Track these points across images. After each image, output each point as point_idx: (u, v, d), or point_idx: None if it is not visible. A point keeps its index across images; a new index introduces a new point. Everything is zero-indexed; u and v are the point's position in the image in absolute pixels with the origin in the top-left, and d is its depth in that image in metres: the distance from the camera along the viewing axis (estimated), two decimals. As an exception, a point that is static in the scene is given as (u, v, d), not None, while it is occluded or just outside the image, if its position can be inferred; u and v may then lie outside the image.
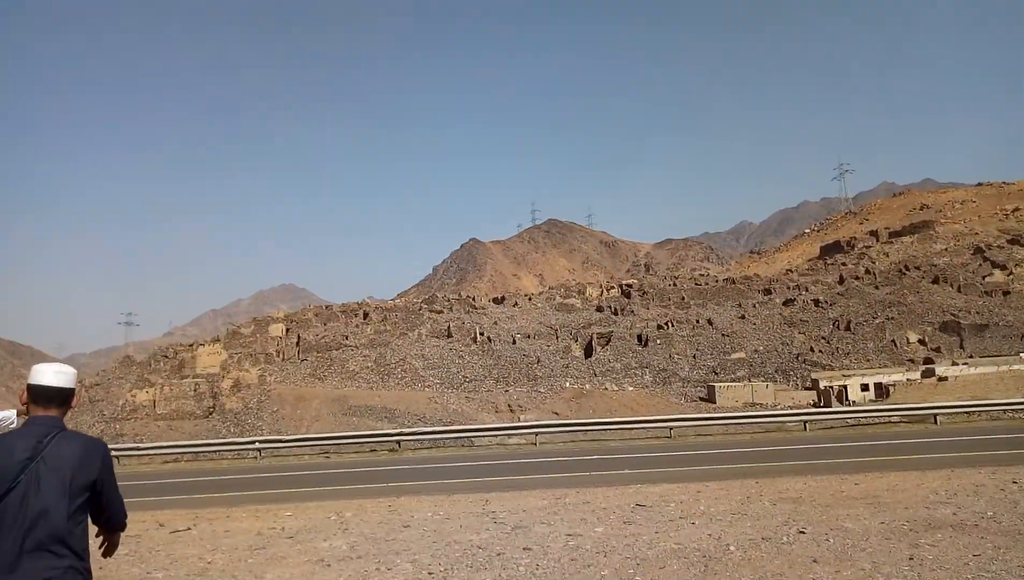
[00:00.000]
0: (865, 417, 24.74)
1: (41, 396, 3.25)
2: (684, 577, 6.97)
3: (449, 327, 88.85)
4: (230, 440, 25.37)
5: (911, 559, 7.03)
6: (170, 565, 8.71)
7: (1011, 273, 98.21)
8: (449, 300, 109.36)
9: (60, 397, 3.29)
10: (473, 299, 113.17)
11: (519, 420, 60.27)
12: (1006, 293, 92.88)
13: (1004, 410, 25.49)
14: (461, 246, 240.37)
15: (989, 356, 73.79)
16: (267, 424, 61.23)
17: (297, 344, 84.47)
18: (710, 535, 8.50)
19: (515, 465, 17.84)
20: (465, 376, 79.74)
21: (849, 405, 59.21)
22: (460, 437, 24.01)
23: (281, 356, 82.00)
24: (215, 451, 23.74)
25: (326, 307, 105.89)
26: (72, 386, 3.36)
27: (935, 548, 7.34)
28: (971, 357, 75.10)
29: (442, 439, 24.15)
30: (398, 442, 23.34)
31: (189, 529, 10.81)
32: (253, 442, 23.39)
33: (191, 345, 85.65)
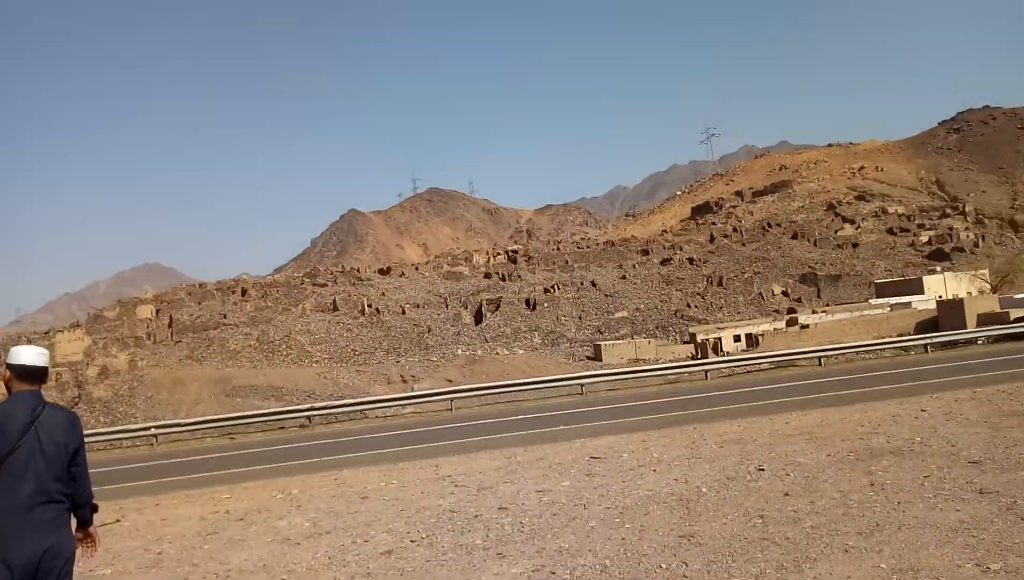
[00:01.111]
0: (772, 361, 26.44)
1: (25, 374, 3.79)
2: (670, 520, 7.16)
3: (335, 300, 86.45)
4: (122, 427, 23.51)
5: (872, 485, 7.57)
6: (114, 560, 7.96)
7: (859, 227, 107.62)
8: (332, 273, 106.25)
9: (40, 374, 3.83)
10: (358, 271, 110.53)
11: (412, 390, 59.84)
12: (855, 245, 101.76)
13: (856, 351, 28.19)
14: (340, 217, 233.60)
15: (843, 304, 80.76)
16: (141, 411, 57.42)
17: (170, 325, 79.43)
18: (676, 480, 8.78)
19: (442, 430, 17.70)
20: (354, 349, 78.09)
21: (724, 355, 63.15)
22: (376, 407, 23.50)
23: (152, 339, 76.85)
24: (105, 440, 21.95)
25: (199, 285, 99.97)
26: (48, 365, 3.91)
27: (887, 474, 7.95)
28: (828, 305, 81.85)
29: (356, 411, 23.55)
30: (309, 417, 22.54)
31: (118, 521, 9.93)
32: (148, 428, 21.81)
33: (46, 332, 78.54)
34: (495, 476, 10.24)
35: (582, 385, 24.16)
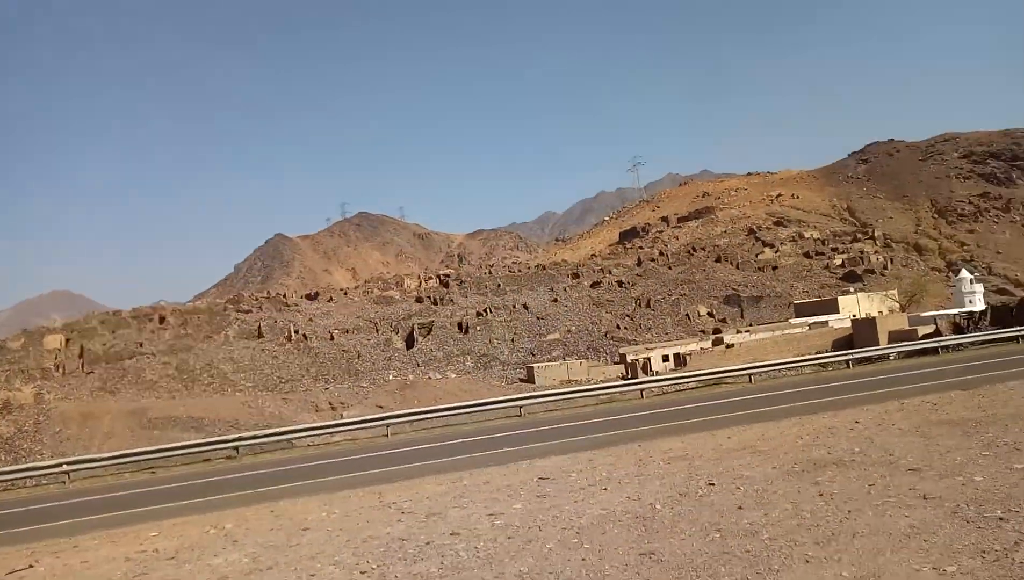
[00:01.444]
0: (700, 380, 26.93)
1: None
2: (628, 538, 7.06)
3: (260, 327, 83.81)
4: (30, 465, 21.84)
5: (821, 495, 7.69)
6: (28, 609, 7.28)
7: (778, 250, 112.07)
8: (257, 299, 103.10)
9: None
10: (284, 296, 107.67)
11: (341, 417, 58.30)
12: (775, 268, 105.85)
13: (780, 369, 29.35)
14: (266, 242, 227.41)
15: (765, 323, 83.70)
16: (48, 448, 53.81)
17: (80, 356, 75.15)
18: (628, 498, 8.72)
19: (381, 457, 17.19)
20: (280, 377, 75.71)
21: (653, 375, 64.32)
22: (308, 436, 22.67)
23: (61, 370, 72.53)
24: (9, 480, 20.35)
25: (113, 313, 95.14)
26: None
27: (834, 483, 8.10)
28: (751, 325, 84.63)
29: (285, 440, 22.67)
30: (236, 448, 21.55)
31: (31, 567, 9.12)
32: (59, 464, 20.33)
33: (-57, 364, 73.00)
34: (443, 501, 9.93)
35: (520, 407, 24.01)
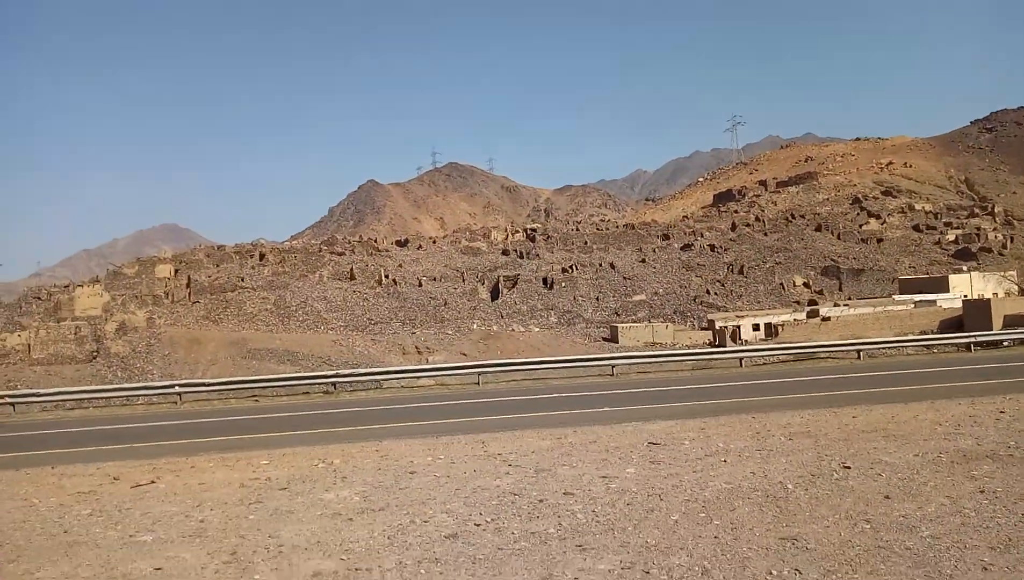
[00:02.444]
0: (799, 352, 25.72)
1: None
2: (763, 519, 6.56)
3: (352, 269, 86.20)
4: (146, 384, 23.20)
5: (982, 492, 6.93)
6: (154, 526, 7.48)
7: (884, 222, 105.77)
8: (350, 242, 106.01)
9: None
10: (375, 241, 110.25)
11: (427, 362, 59.56)
12: (879, 241, 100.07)
13: (884, 346, 27.20)
14: (359, 188, 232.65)
15: (865, 298, 79.62)
16: (158, 368, 57.49)
17: (188, 286, 79.44)
18: (753, 473, 8.17)
19: (476, 405, 17.17)
20: (370, 318, 77.87)
21: (742, 343, 62.43)
22: (402, 377, 23.01)
23: (170, 298, 76.95)
24: (127, 395, 21.62)
25: (218, 248, 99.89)
26: None
27: (994, 480, 7.31)
28: (850, 299, 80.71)
29: (380, 379, 23.07)
30: (334, 384, 22.09)
31: (153, 483, 9.46)
32: (172, 385, 21.43)
33: (66, 286, 78.82)
34: (550, 457, 9.66)
35: (612, 366, 23.58)
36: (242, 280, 79.89)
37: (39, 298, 72.84)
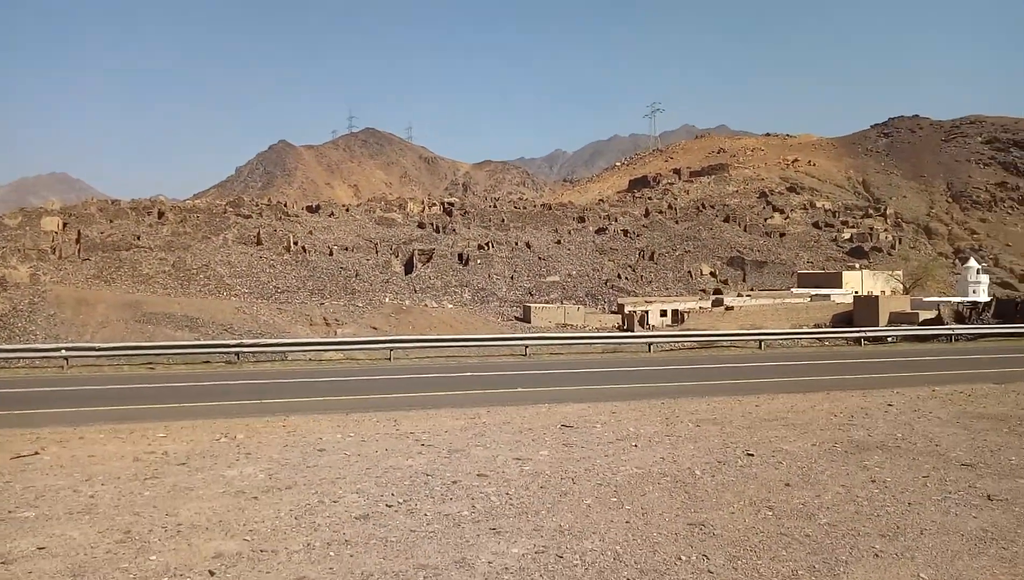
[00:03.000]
0: (702, 340, 26.63)
1: None
2: (672, 504, 6.71)
3: (259, 233, 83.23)
4: (29, 346, 21.57)
5: (873, 481, 7.33)
6: (36, 501, 6.93)
7: (788, 217, 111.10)
8: (258, 205, 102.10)
9: None
10: (284, 205, 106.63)
11: (335, 334, 58.30)
12: (782, 235, 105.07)
13: (782, 338, 28.78)
14: (269, 148, 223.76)
15: (766, 290, 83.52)
16: (42, 329, 53.78)
17: (77, 241, 74.57)
18: (663, 459, 8.37)
19: (387, 381, 16.90)
20: (277, 286, 75.46)
21: (649, 328, 64.34)
22: (311, 349, 22.38)
23: (57, 254, 72.10)
24: (6, 358, 20.06)
25: (112, 202, 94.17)
26: None
27: (883, 470, 7.75)
28: (752, 290, 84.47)
29: (286, 351, 22.37)
30: (237, 354, 21.25)
31: (37, 454, 8.78)
32: (59, 349, 20.01)
33: (-61, 234, 72.36)
34: (463, 437, 9.59)
35: (526, 346, 23.74)
36: (138, 238, 75.67)
37: (-94, 246, 66.77)
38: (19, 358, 21.16)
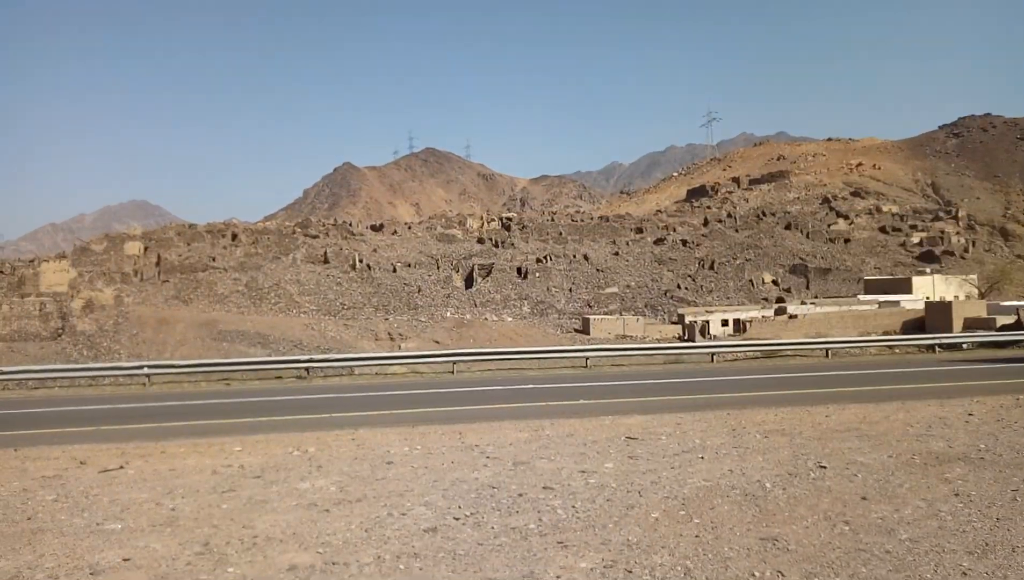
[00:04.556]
0: (767, 350, 26.03)
1: None
2: (743, 518, 6.58)
3: (326, 253, 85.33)
4: (114, 364, 22.70)
5: (956, 495, 7.03)
6: (122, 514, 7.27)
7: (852, 223, 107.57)
8: (325, 225, 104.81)
9: None
10: (349, 225, 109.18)
11: (399, 349, 59.20)
12: (847, 241, 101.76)
13: (851, 346, 27.67)
14: (334, 170, 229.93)
15: (831, 297, 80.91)
16: (125, 348, 56.34)
17: (157, 264, 77.96)
18: (731, 471, 8.21)
19: (451, 394, 17.07)
20: (343, 303, 77.25)
21: (711, 338, 63.09)
22: (377, 364, 22.83)
23: (139, 276, 75.49)
24: (94, 375, 21.13)
25: (189, 226, 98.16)
26: None
27: (967, 483, 7.42)
28: (816, 297, 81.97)
29: (354, 366, 22.87)
30: (307, 369, 21.83)
31: (122, 467, 9.22)
32: (141, 366, 20.96)
33: (31, 260, 76.74)
34: (527, 450, 9.62)
35: (587, 358, 23.64)
36: (213, 260, 78.66)
37: (2, 272, 70.86)
38: (105, 376, 22.24)
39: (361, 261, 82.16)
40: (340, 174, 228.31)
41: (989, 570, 5.21)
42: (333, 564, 5.76)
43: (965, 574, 5.14)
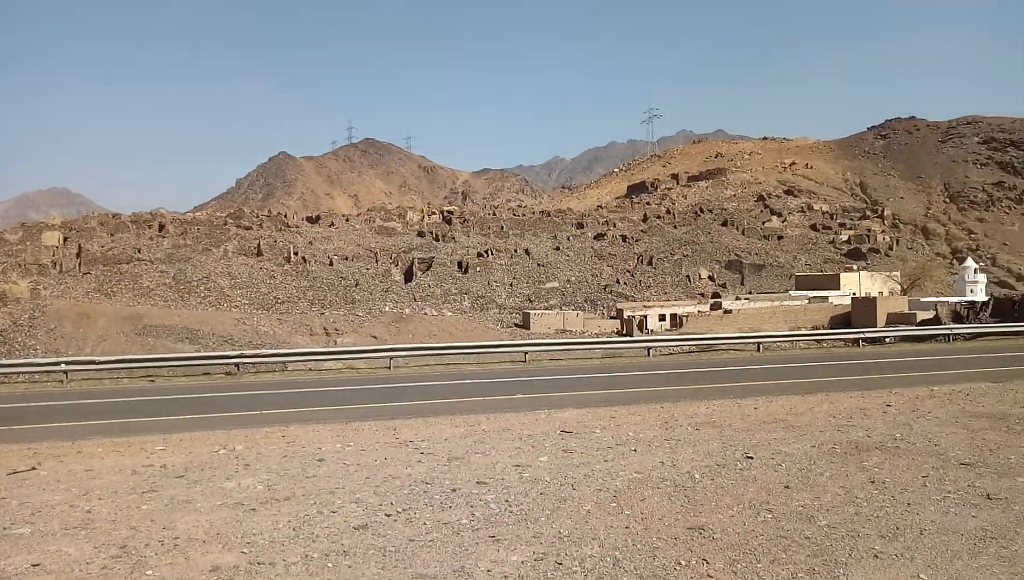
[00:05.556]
0: (703, 343, 26.62)
1: None
2: (671, 508, 6.70)
3: (259, 245, 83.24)
4: (29, 361, 21.55)
5: (872, 482, 7.32)
6: (32, 517, 6.91)
7: (785, 220, 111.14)
8: (258, 216, 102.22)
9: None
10: (284, 217, 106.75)
11: (335, 344, 58.25)
12: (780, 238, 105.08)
13: (781, 341, 28.90)
14: (269, 160, 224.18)
15: (764, 292, 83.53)
16: (42, 343, 53.76)
17: (78, 255, 74.64)
18: (662, 463, 8.35)
19: (387, 390, 16.88)
20: (277, 297, 75.50)
21: (648, 333, 64.34)
22: (313, 359, 22.37)
23: (58, 268, 72.16)
24: (5, 373, 20.03)
25: (112, 216, 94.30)
26: None
27: (883, 471, 7.74)
28: (750, 293, 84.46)
29: (288, 361, 22.36)
30: (237, 365, 21.23)
31: (34, 469, 8.76)
32: (58, 363, 19.97)
33: (-62, 250, 72.34)
34: (463, 445, 9.58)
35: (525, 353, 23.73)
36: (139, 251, 75.76)
37: (-95, 263, 66.74)
38: (19, 373, 21.13)
39: (296, 254, 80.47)
40: (275, 164, 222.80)
41: (898, 552, 5.44)
42: (259, 564, 5.60)
43: (876, 556, 5.36)
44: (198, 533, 6.34)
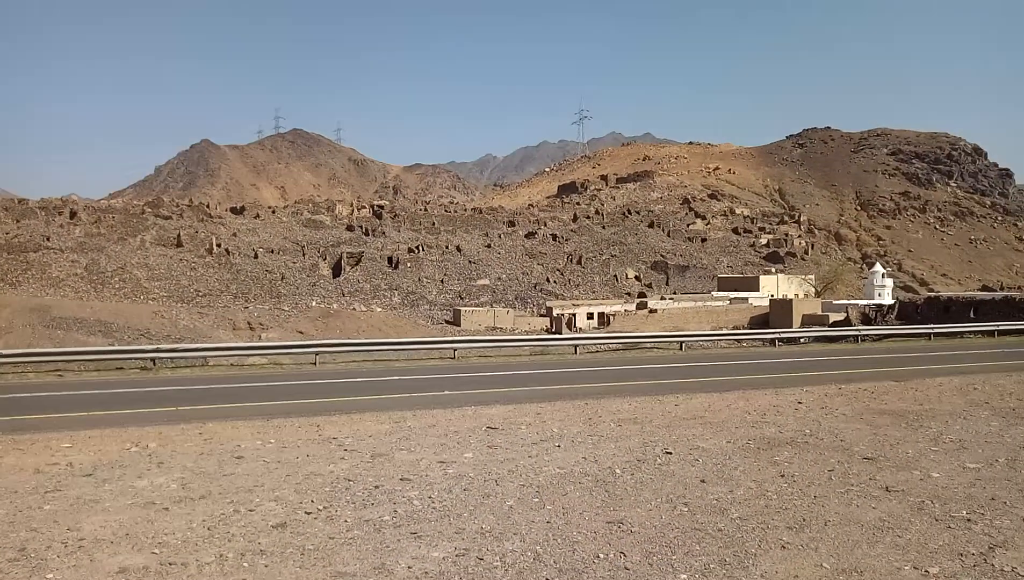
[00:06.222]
0: (628, 342, 27.16)
1: None
2: (592, 503, 6.84)
3: (179, 235, 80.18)
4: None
5: (782, 476, 7.65)
6: (-79, 522, 6.48)
7: (709, 223, 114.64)
8: (179, 205, 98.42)
9: None
10: (207, 207, 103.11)
11: (259, 339, 56.70)
12: (704, 240, 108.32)
13: (705, 340, 30.03)
14: (191, 147, 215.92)
15: (688, 293, 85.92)
16: (-63, 336, 50.31)
17: (-21, 242, 70.07)
18: (584, 458, 8.50)
19: (312, 386, 16.54)
20: (197, 290, 72.90)
21: (577, 330, 65.28)
22: (233, 354, 21.70)
23: (-44, 255, 67.59)
24: None
25: (19, 201, 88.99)
26: None
27: (792, 465, 8.10)
28: (675, 293, 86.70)
29: (206, 356, 21.64)
30: (153, 359, 20.40)
31: (-77, 471, 8.20)
32: (-47, 357, 18.75)
33: None
34: (387, 442, 9.50)
35: (454, 350, 23.69)
36: (47, 239, 71.82)
37: None
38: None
39: (219, 245, 77.87)
40: (197, 151, 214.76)
41: (804, 542, 5.72)
42: (170, 564, 5.42)
43: (784, 547, 5.62)
44: (105, 534, 6.08)
